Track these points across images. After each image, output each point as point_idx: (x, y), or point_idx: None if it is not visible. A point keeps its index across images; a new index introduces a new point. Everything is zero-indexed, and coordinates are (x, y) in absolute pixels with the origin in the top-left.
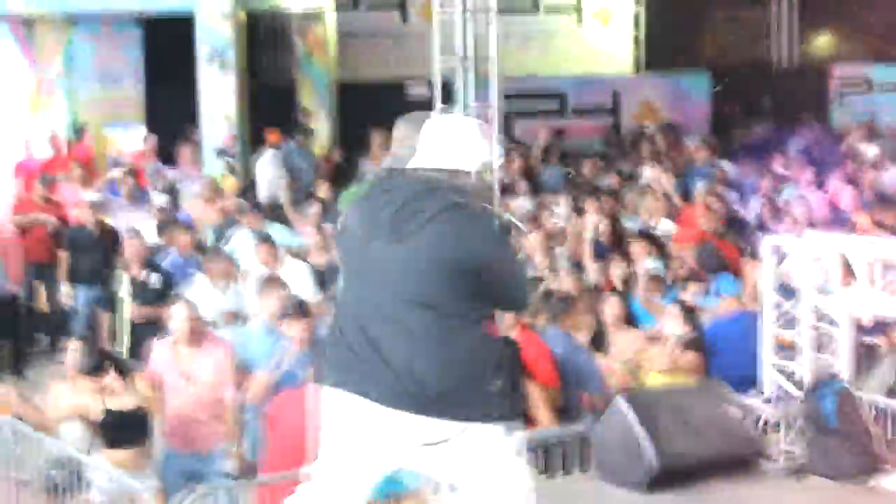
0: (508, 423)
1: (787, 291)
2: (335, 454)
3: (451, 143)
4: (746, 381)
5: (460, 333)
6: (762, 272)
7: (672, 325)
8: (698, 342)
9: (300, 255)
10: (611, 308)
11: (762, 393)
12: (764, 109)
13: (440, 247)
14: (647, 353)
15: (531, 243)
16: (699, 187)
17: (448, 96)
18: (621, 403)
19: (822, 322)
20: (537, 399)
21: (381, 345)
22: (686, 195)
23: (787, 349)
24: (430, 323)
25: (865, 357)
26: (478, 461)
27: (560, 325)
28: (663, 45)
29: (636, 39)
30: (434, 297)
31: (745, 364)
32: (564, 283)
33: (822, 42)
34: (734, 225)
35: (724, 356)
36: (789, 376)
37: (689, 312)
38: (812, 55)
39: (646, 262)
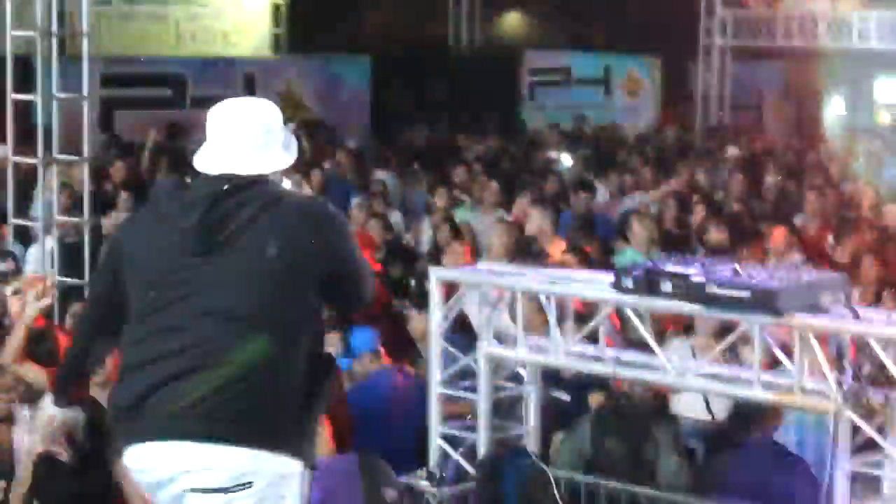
0: (307, 457)
1: (462, 340)
2: None
3: (241, 144)
4: (410, 455)
5: (281, 351)
6: (429, 315)
7: None
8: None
9: None
10: None
11: (429, 470)
12: (439, 104)
13: (269, 249)
14: None
15: None
16: (353, 206)
17: (25, 79)
18: None
19: (504, 379)
20: None
21: (175, 375)
22: None
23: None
24: (242, 339)
25: (560, 422)
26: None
27: None
28: (311, 22)
29: (276, 13)
30: (255, 309)
31: (404, 435)
32: None
33: (512, 24)
34: (397, 255)
35: (370, 426)
36: (463, 449)
37: None
38: (499, 39)
39: None
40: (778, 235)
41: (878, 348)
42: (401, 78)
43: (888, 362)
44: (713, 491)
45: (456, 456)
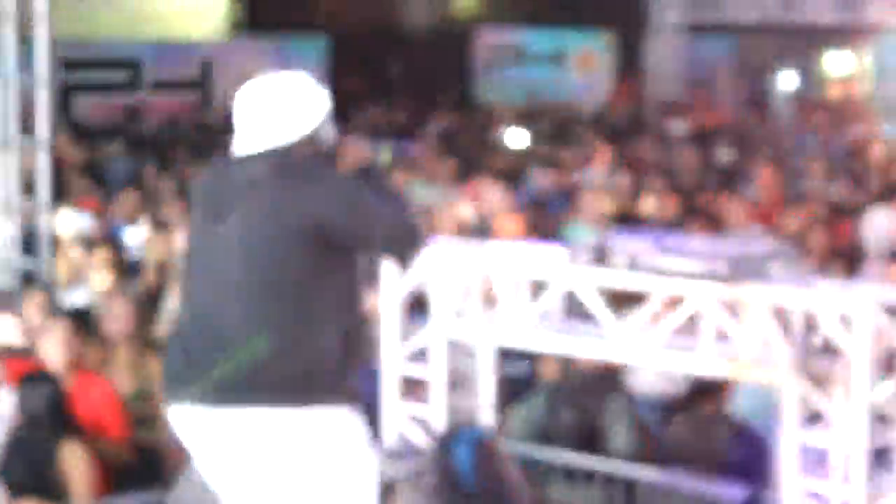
0: (353, 403)
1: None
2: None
3: (266, 116)
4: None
5: (300, 311)
6: (384, 291)
7: None
8: None
9: None
10: None
11: (384, 445)
12: (395, 82)
13: (264, 219)
14: None
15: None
16: None
17: None
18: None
19: (460, 354)
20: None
21: (217, 333)
22: None
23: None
24: (264, 304)
25: (513, 396)
26: (325, 444)
27: None
28: (267, 4)
29: None
30: (266, 274)
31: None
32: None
33: (464, 2)
34: None
35: None
36: (420, 423)
37: None
38: (452, 18)
39: None
40: (735, 208)
41: (825, 318)
42: (356, 57)
43: (837, 333)
44: (668, 462)
45: (410, 432)
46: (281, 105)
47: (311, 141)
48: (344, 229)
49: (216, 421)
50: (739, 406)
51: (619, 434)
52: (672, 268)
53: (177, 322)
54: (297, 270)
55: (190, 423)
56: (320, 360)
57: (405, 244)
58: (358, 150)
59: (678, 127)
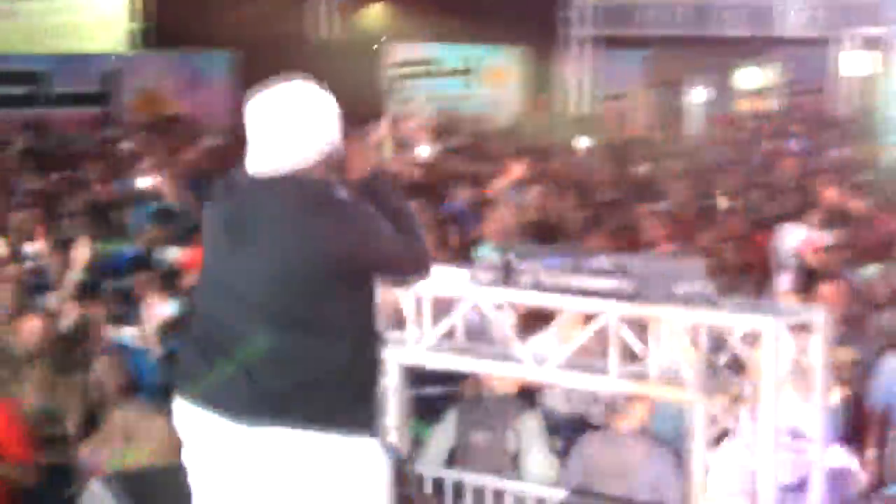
0: (368, 430)
1: None
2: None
3: (277, 132)
4: None
5: (322, 338)
6: None
7: None
8: None
9: None
10: None
11: None
12: None
13: (285, 253)
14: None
15: None
16: None
17: None
18: (96, 487)
19: None
20: None
21: (229, 351)
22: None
23: None
24: (286, 330)
25: (427, 416)
26: (341, 472)
27: None
28: (171, 17)
29: (133, 8)
30: (284, 307)
31: None
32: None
33: (375, 16)
34: None
35: None
36: None
37: None
38: (361, 31)
39: (161, 308)
40: (649, 222)
41: (733, 336)
42: (262, 71)
43: (743, 350)
44: (581, 482)
45: None
46: (298, 121)
47: (328, 158)
48: (365, 261)
49: (236, 437)
50: (654, 423)
51: (531, 455)
52: (579, 286)
53: (192, 334)
54: (320, 301)
55: (206, 434)
56: (344, 386)
57: (417, 269)
58: (363, 159)
59: (591, 140)
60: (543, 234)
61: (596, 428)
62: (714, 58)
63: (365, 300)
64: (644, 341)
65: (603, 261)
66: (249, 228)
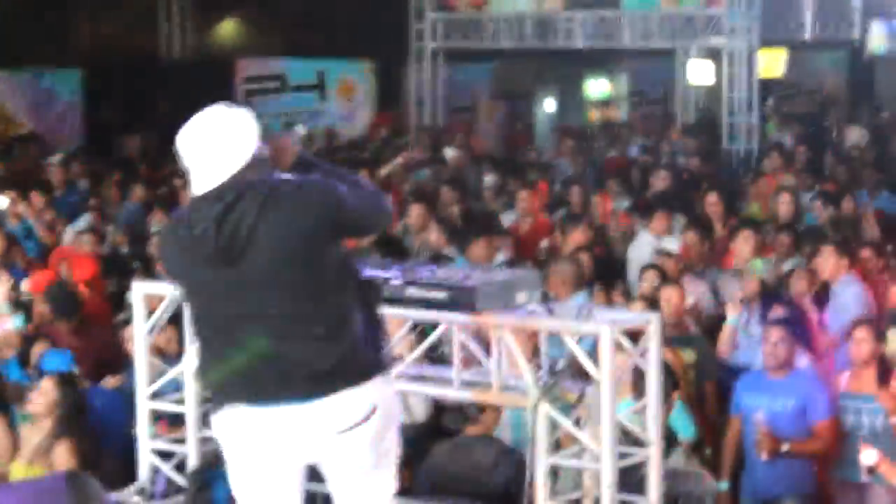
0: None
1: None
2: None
3: (217, 149)
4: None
5: (327, 307)
6: (135, 327)
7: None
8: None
9: None
10: None
11: (139, 486)
12: (154, 114)
13: (289, 232)
14: None
15: None
16: (81, 223)
17: None
18: None
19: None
20: None
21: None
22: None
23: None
24: (296, 311)
25: None
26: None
27: None
28: (19, 36)
29: None
30: (294, 287)
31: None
32: None
33: (226, 32)
34: (113, 268)
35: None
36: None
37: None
38: (212, 48)
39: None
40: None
41: (570, 343)
42: (113, 89)
43: (581, 356)
44: (428, 490)
45: (166, 469)
46: (226, 133)
47: (258, 158)
48: (350, 215)
49: (307, 413)
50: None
51: None
52: (419, 296)
53: (213, 353)
54: (327, 270)
55: (266, 428)
56: (364, 339)
57: (382, 209)
58: (286, 147)
59: (450, 154)
60: (392, 247)
61: (443, 435)
62: (560, 69)
63: (343, 252)
64: (484, 350)
65: (441, 272)
66: (242, 230)
